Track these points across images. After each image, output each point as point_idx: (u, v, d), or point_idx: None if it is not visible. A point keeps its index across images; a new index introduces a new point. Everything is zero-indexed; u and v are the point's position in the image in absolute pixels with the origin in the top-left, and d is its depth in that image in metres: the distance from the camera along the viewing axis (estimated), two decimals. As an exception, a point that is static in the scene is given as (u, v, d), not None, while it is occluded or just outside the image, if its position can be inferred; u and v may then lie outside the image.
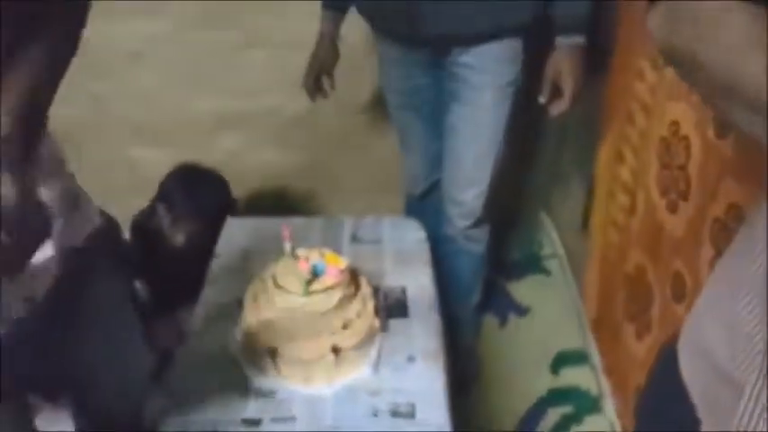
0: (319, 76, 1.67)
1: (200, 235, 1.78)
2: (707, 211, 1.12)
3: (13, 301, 0.78)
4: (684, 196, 1.23)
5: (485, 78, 1.47)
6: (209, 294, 1.44)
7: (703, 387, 0.64)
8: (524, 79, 1.51)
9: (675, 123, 1.27)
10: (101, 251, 0.95)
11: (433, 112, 1.63)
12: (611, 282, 1.68)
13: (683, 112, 1.23)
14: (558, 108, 1.51)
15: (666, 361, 0.73)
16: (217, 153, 2.08)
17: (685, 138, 1.22)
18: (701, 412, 0.64)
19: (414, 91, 1.62)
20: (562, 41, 1.45)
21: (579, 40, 1.44)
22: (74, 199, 0.89)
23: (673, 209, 1.29)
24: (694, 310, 0.71)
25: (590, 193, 2.01)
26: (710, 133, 1.11)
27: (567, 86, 1.47)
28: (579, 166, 2.02)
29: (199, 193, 1.79)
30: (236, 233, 1.64)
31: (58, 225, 0.82)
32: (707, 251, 1.11)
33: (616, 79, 1.65)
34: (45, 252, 0.81)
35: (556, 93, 1.50)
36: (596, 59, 1.75)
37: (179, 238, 1.79)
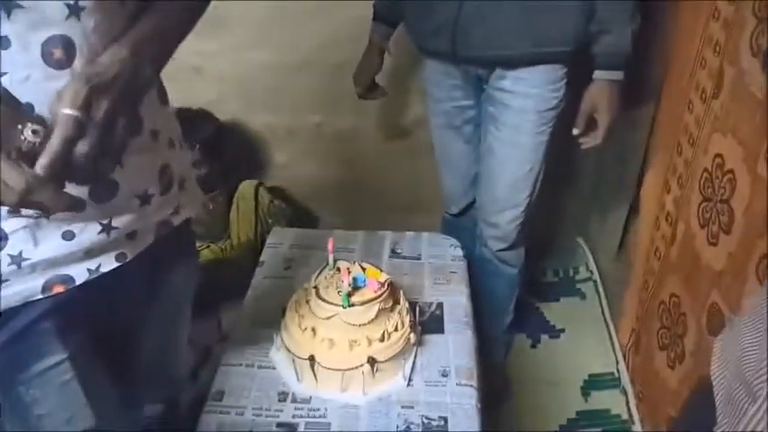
0: (368, 81, 1.68)
1: (209, 165, 1.83)
2: (753, 247, 1.07)
3: (105, 253, 0.80)
4: (727, 230, 1.18)
5: (525, 103, 1.44)
6: (253, 300, 1.44)
7: (727, 384, 0.66)
8: (566, 104, 1.48)
9: (719, 156, 1.23)
10: (188, 242, 0.96)
11: (474, 133, 1.62)
12: (647, 309, 1.64)
13: (729, 146, 1.20)
14: (591, 141, 1.48)
15: (703, 396, 0.70)
16: (266, 164, 2.11)
17: (730, 171, 1.18)
18: (720, 402, 0.67)
19: (455, 111, 1.61)
20: (601, 75, 1.41)
21: (618, 75, 1.40)
22: (184, 179, 0.90)
23: (713, 241, 1.24)
24: (738, 321, 0.71)
25: (628, 219, 1.97)
26: (761, 170, 1.07)
27: (603, 120, 1.44)
28: (618, 192, 1.98)
29: (193, 128, 1.81)
30: (280, 243, 1.65)
31: (160, 200, 0.84)
32: (752, 287, 1.06)
33: (666, 109, 1.61)
34: (145, 217, 0.82)
35: (591, 125, 1.46)
36: (640, 89, 1.73)
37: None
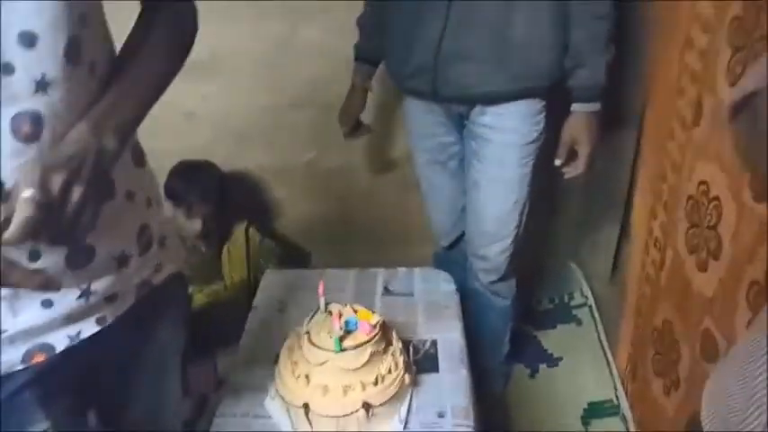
0: (353, 120, 1.69)
1: (211, 217, 1.83)
2: (743, 273, 1.07)
3: (85, 318, 0.79)
4: (715, 256, 1.18)
5: (506, 137, 1.45)
6: (247, 346, 1.43)
7: (719, 426, 0.66)
8: (549, 134, 1.49)
9: (704, 183, 1.23)
10: (172, 297, 0.95)
11: (459, 168, 1.62)
12: (642, 335, 1.62)
13: (713, 173, 1.20)
14: (573, 171, 1.48)
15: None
16: (257, 204, 2.11)
17: (716, 198, 1.18)
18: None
19: (439, 148, 1.61)
20: (578, 108, 1.43)
21: (594, 107, 1.42)
22: (164, 236, 0.89)
23: (702, 267, 1.24)
24: (722, 364, 0.70)
25: (619, 242, 1.97)
26: (746, 197, 1.07)
27: (583, 151, 1.45)
28: (608, 216, 1.98)
29: (200, 181, 1.82)
30: (273, 286, 1.64)
31: (139, 261, 0.83)
32: (743, 314, 1.06)
33: (649, 136, 1.62)
34: (124, 278, 0.81)
35: (572, 155, 1.47)
36: (623, 116, 1.74)
37: (195, 224, 1.81)
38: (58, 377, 0.79)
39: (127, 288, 0.84)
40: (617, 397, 1.81)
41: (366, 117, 1.74)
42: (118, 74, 0.74)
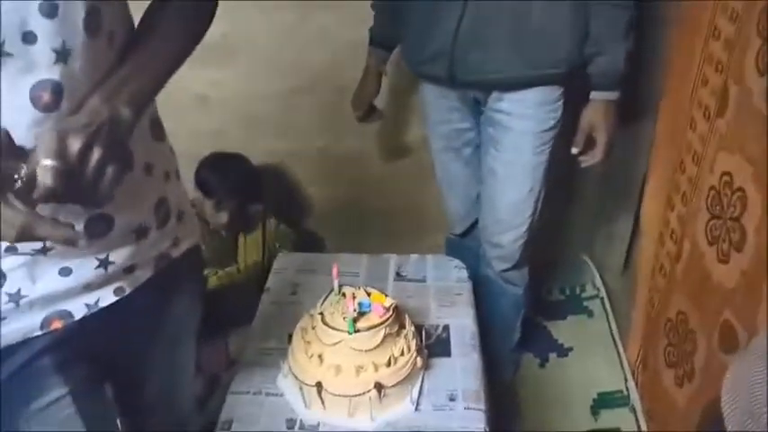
0: (366, 105, 1.68)
1: (239, 211, 1.83)
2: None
3: (103, 287, 0.79)
4: (738, 248, 1.16)
5: (523, 124, 1.44)
6: (260, 326, 1.43)
7: (739, 415, 0.65)
8: (566, 122, 1.48)
9: (728, 174, 1.21)
10: (189, 271, 0.95)
11: (474, 155, 1.61)
12: (654, 326, 1.61)
13: (737, 164, 1.18)
14: (590, 159, 1.47)
15: (716, 423, 0.69)
16: (272, 190, 2.11)
17: (740, 189, 1.16)
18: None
19: (454, 134, 1.60)
20: (597, 95, 1.41)
21: (613, 95, 1.40)
22: (182, 211, 0.89)
23: (723, 259, 1.22)
24: (744, 354, 0.69)
25: (633, 235, 1.95)
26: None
27: (601, 139, 1.43)
28: (623, 209, 1.97)
29: (230, 176, 1.81)
30: (286, 268, 1.63)
31: (157, 234, 0.83)
32: (767, 306, 1.04)
33: (666, 126, 1.60)
34: (142, 250, 0.81)
35: (589, 143, 1.45)
36: (641, 106, 1.72)
37: (222, 218, 1.82)
38: (76, 345, 0.80)
39: (145, 260, 0.84)
40: (627, 388, 1.80)
41: (379, 102, 1.72)
42: (135, 47, 0.74)
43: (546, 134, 1.44)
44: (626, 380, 1.82)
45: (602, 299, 2.11)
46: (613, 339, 1.96)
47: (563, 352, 1.96)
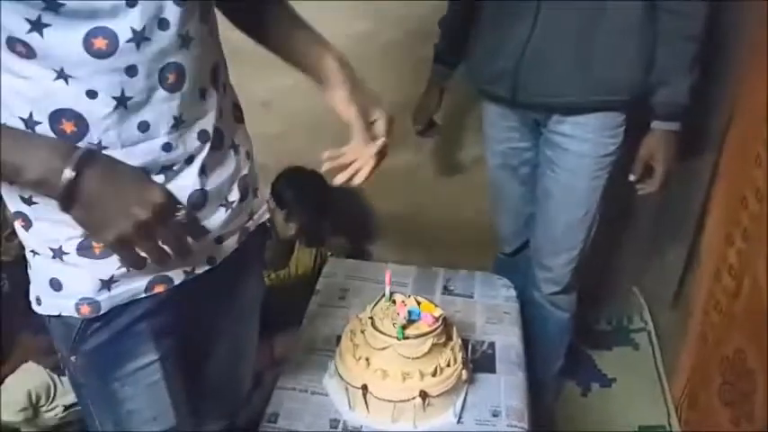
0: (426, 119, 1.72)
1: (307, 227, 1.88)
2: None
3: (198, 255, 0.84)
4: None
5: (583, 148, 1.44)
6: (308, 327, 1.46)
7: None
8: (625, 149, 1.47)
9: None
10: (259, 248, 1.01)
11: (530, 175, 1.61)
12: (707, 363, 1.57)
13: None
14: (647, 188, 1.46)
15: None
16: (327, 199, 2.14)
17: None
18: None
19: (512, 153, 1.61)
20: (658, 125, 1.40)
21: (675, 126, 1.39)
22: (256, 188, 0.95)
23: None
24: None
25: (686, 269, 1.91)
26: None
27: (659, 169, 1.42)
28: (676, 242, 1.93)
29: (305, 192, 1.85)
30: (335, 273, 1.67)
31: (240, 207, 0.88)
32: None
33: (730, 161, 1.57)
34: (228, 222, 0.86)
35: (647, 173, 1.45)
36: (702, 139, 1.70)
37: (291, 229, 1.87)
38: (169, 313, 0.85)
39: (230, 232, 0.89)
40: (669, 424, 1.75)
41: (438, 119, 1.75)
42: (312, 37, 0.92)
43: (604, 159, 1.44)
44: (669, 415, 1.77)
45: (648, 332, 2.07)
46: (658, 374, 1.92)
47: (606, 382, 1.92)
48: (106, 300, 0.79)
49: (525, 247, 1.73)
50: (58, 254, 0.77)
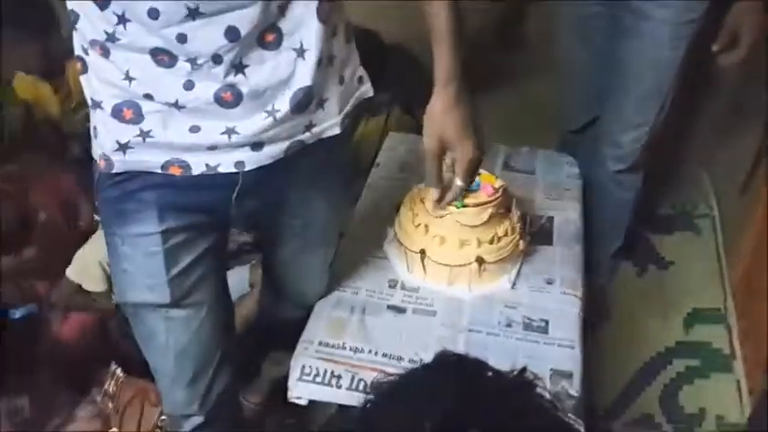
0: None
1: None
2: None
3: (225, 154, 0.87)
4: None
5: (665, 12, 1.35)
6: (368, 197, 1.50)
7: None
8: (705, 23, 1.38)
9: None
10: (324, 164, 1.00)
11: (603, 45, 1.52)
12: (765, 252, 1.55)
13: None
14: (730, 58, 1.37)
15: None
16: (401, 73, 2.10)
17: None
18: None
19: (585, 19, 1.51)
20: None
21: None
22: (326, 98, 0.93)
23: None
24: None
25: (757, 158, 1.84)
26: None
27: (745, 39, 1.33)
28: (749, 129, 1.85)
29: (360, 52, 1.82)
30: (396, 147, 1.68)
31: (289, 117, 0.88)
32: None
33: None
34: (270, 130, 0.88)
35: (731, 43, 1.36)
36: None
37: None
38: (184, 195, 0.90)
39: (274, 141, 0.88)
40: (725, 308, 1.77)
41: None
42: None
43: (686, 27, 1.36)
44: (725, 299, 1.78)
45: (713, 218, 2.03)
46: (718, 259, 1.91)
47: (663, 265, 1.92)
48: (120, 162, 0.86)
49: (591, 126, 1.69)
50: (96, 106, 0.84)
